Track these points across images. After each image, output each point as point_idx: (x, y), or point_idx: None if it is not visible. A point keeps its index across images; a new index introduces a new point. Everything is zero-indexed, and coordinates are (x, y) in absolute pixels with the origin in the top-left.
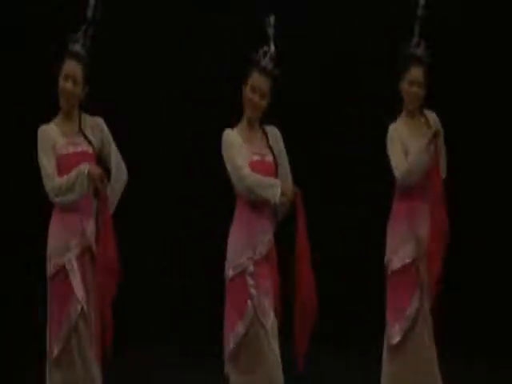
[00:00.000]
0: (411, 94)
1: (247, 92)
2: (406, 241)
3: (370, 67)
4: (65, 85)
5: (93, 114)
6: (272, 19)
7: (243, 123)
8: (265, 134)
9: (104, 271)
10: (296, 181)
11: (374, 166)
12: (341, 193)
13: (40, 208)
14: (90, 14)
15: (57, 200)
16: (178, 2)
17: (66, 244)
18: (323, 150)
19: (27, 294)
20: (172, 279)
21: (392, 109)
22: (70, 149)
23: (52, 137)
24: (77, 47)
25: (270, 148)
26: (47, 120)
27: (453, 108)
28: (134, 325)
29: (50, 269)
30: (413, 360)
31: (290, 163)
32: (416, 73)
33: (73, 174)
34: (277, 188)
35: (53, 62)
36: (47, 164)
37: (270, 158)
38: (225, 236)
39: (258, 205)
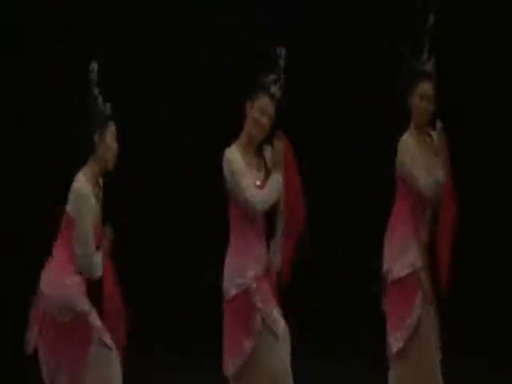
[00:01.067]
0: (421, 108)
1: (254, 112)
2: (407, 249)
3: (370, 67)
4: None
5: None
6: (283, 51)
7: (243, 140)
8: (262, 155)
9: (113, 315)
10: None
11: (374, 166)
12: (341, 193)
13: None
14: (94, 77)
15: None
16: (178, 2)
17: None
18: (323, 150)
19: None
20: (172, 279)
21: (392, 109)
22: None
23: (95, 208)
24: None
25: (267, 170)
26: (47, 120)
27: (452, 108)
28: (133, 324)
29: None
30: (417, 363)
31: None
32: (426, 87)
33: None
34: (278, 187)
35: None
36: (90, 236)
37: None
38: (224, 235)
39: (253, 222)
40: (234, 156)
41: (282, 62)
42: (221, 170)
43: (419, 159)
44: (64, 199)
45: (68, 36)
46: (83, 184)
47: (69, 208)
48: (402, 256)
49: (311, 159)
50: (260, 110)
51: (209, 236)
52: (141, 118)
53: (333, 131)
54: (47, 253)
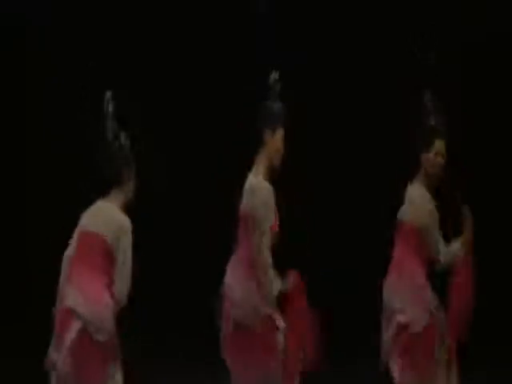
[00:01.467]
0: (436, 163)
1: (279, 143)
2: (422, 291)
3: (370, 67)
4: None
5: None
6: (276, 75)
7: (266, 168)
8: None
9: None
10: (296, 181)
11: (373, 166)
12: (341, 192)
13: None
14: (107, 107)
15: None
16: (179, 2)
17: None
18: (323, 149)
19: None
20: (172, 279)
21: (392, 110)
22: None
23: None
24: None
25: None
26: (47, 121)
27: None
28: (133, 325)
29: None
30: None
31: (291, 163)
32: (440, 145)
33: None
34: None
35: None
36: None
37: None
38: (225, 235)
39: None
40: (271, 198)
41: (277, 87)
42: (220, 171)
43: (432, 212)
44: (63, 203)
45: (68, 36)
46: (126, 218)
47: (105, 234)
48: (418, 302)
49: (311, 159)
50: (282, 140)
51: (210, 235)
52: (142, 120)
53: (333, 131)
54: (47, 254)
